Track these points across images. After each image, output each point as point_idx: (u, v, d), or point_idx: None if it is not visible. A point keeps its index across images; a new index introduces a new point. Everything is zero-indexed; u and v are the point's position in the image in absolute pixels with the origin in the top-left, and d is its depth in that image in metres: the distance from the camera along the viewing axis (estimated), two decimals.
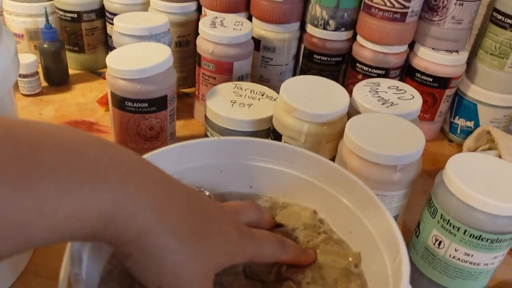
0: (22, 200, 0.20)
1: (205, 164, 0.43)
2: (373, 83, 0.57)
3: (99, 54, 0.84)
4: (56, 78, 0.78)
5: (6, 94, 0.41)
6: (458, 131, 0.75)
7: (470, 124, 0.73)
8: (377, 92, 0.55)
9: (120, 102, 0.56)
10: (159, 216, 0.25)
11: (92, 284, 0.32)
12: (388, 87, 0.56)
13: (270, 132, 0.56)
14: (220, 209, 0.32)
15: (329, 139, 0.51)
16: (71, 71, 0.81)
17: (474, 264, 0.44)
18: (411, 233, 0.50)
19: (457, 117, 0.75)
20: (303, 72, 0.76)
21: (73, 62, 0.82)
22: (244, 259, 0.32)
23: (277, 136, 0.53)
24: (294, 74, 0.78)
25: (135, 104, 0.56)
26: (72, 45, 0.81)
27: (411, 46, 0.72)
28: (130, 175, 0.25)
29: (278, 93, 0.60)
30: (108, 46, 0.83)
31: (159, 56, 0.55)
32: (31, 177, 0.21)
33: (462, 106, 0.73)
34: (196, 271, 0.28)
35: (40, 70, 0.77)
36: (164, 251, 0.26)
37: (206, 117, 0.59)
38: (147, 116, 0.57)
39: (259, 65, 0.76)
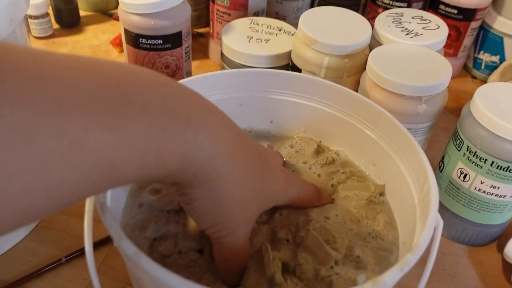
0: (115, 141, 0.20)
1: (224, 98, 0.42)
2: (396, 13, 0.54)
3: None
4: (67, 20, 0.76)
5: (19, 29, 0.40)
6: (482, 67, 0.72)
7: (495, 59, 0.70)
8: (400, 22, 0.53)
9: (134, 40, 0.55)
10: (232, 162, 0.26)
11: (117, 212, 0.32)
12: (412, 17, 0.54)
13: (288, 68, 0.55)
14: (272, 154, 0.33)
15: (350, 73, 0.50)
16: (81, 13, 0.79)
17: (500, 196, 0.43)
18: (434, 169, 0.49)
19: (481, 52, 0.72)
20: None
21: (83, 2, 0.80)
22: (286, 202, 0.34)
23: (297, 71, 0.52)
24: None
25: (149, 41, 0.54)
26: None
27: None
28: (209, 120, 0.25)
29: (296, 28, 0.58)
30: None
31: None
32: (122, 118, 0.20)
33: (488, 40, 0.70)
34: (249, 214, 0.29)
35: (50, 12, 0.75)
36: (229, 197, 0.27)
37: (222, 53, 0.58)
38: (162, 54, 0.56)
39: (274, 1, 0.73)
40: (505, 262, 0.46)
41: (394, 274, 0.25)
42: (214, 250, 0.30)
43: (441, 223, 0.30)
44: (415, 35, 0.51)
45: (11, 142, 0.17)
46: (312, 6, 0.75)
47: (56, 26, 0.77)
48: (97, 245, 0.45)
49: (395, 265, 0.26)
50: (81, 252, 0.44)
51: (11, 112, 0.17)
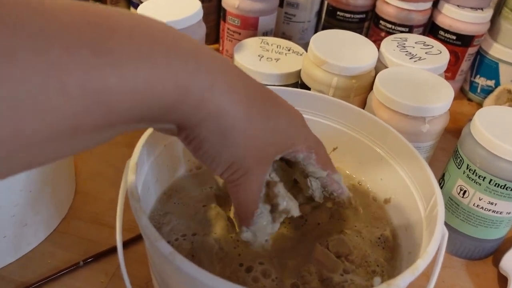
0: (102, 64, 0.20)
1: None
2: (400, 38, 0.58)
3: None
4: None
5: None
6: (478, 90, 0.76)
7: (491, 83, 0.74)
8: (404, 47, 0.56)
9: None
10: (232, 93, 0.25)
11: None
12: (416, 42, 0.57)
13: (298, 86, 0.57)
14: (281, 98, 0.31)
15: (357, 93, 0.53)
16: None
17: (497, 212, 0.46)
18: None
19: (477, 76, 0.75)
20: (325, 29, 0.76)
21: None
22: (303, 146, 0.32)
23: (306, 90, 0.54)
24: (316, 32, 0.79)
25: None
26: (94, 0, 0.81)
27: (435, 3, 0.72)
28: (201, 51, 0.25)
29: (303, 49, 0.61)
30: (130, 1, 0.83)
31: (189, 8, 0.56)
32: (108, 43, 0.20)
33: (484, 65, 0.74)
34: (265, 152, 0.29)
35: None
36: (238, 132, 0.26)
37: None
38: None
39: (282, 22, 0.76)
40: (500, 275, 0.49)
41: (406, 277, 0.28)
42: (231, 194, 0.30)
43: (446, 234, 0.33)
44: (419, 59, 0.54)
45: None
46: (317, 28, 0.79)
47: None
48: (112, 250, 0.47)
49: (407, 270, 0.28)
50: (98, 256, 0.46)
51: None
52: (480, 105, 0.76)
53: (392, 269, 0.36)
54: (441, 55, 0.55)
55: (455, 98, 0.78)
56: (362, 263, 0.36)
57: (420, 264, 0.29)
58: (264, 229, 0.31)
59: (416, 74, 0.50)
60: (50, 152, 0.21)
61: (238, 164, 0.28)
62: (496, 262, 0.50)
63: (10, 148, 0.19)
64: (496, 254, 0.51)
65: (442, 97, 0.47)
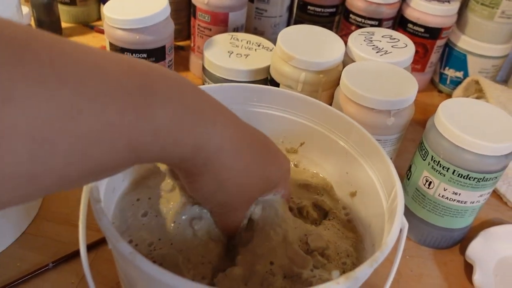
0: (143, 126, 0.23)
1: None
2: (367, 32, 0.58)
3: (91, 7, 0.83)
4: (49, 31, 0.77)
5: None
6: (448, 82, 0.77)
7: (460, 74, 0.75)
8: (371, 41, 0.56)
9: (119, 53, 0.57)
10: (236, 155, 0.29)
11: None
12: (382, 36, 0.58)
13: (267, 81, 0.58)
14: (274, 144, 0.35)
15: (325, 87, 0.53)
16: (63, 25, 0.81)
17: (461, 202, 0.47)
18: (402, 177, 0.53)
19: (447, 68, 0.76)
20: (297, 24, 0.77)
21: (65, 15, 0.82)
22: (282, 188, 0.36)
23: (275, 85, 0.55)
24: (288, 26, 0.79)
25: (134, 55, 0.56)
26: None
27: None
28: (219, 117, 0.28)
29: (273, 44, 0.62)
30: None
31: (156, 6, 0.56)
32: (151, 107, 0.24)
33: (452, 57, 0.75)
34: (251, 196, 0.33)
35: (32, 23, 0.76)
36: (233, 184, 0.30)
37: (203, 67, 0.60)
38: None
39: (253, 17, 0.76)
40: (466, 263, 0.50)
41: (364, 269, 0.28)
42: (216, 220, 0.35)
43: (406, 225, 0.33)
44: (385, 53, 0.54)
45: (59, 118, 0.20)
46: (289, 22, 0.79)
47: None
48: None
49: (366, 262, 0.29)
50: (68, 258, 0.46)
51: (62, 94, 0.20)
52: (450, 96, 0.77)
53: (359, 262, 0.37)
54: (407, 48, 0.56)
55: (425, 90, 0.79)
56: (335, 257, 0.36)
57: (378, 257, 0.29)
58: None
59: (381, 68, 0.51)
60: (74, 184, 0.23)
61: (228, 204, 0.32)
62: (463, 251, 0.51)
63: (47, 189, 0.21)
64: (463, 243, 0.52)
65: (406, 90, 0.48)
